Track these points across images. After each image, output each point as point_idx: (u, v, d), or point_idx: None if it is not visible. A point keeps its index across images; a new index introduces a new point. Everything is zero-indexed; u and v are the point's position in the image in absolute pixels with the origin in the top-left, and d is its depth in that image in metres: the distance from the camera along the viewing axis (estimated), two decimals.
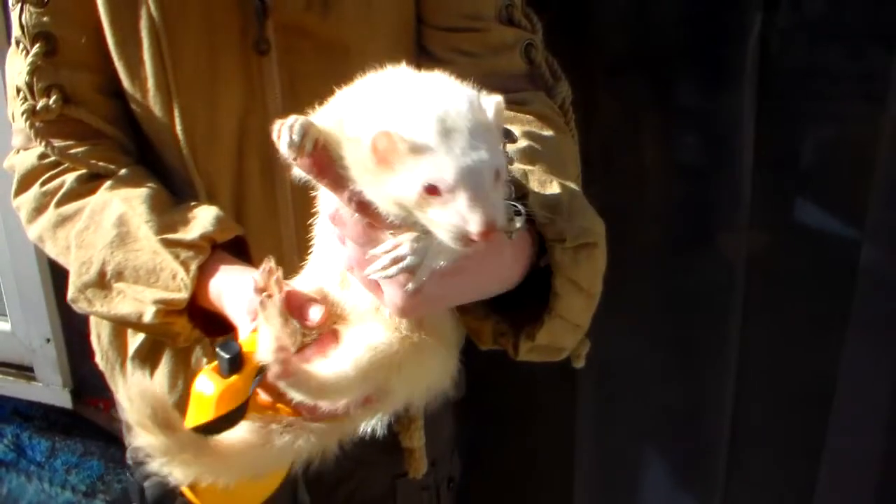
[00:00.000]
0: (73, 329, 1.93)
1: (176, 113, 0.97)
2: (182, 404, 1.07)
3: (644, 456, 1.64)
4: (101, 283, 0.93)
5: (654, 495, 1.65)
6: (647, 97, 1.45)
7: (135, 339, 1.10)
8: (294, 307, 0.74)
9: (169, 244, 0.89)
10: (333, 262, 0.75)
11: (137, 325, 0.93)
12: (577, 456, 1.63)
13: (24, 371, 2.04)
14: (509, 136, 0.70)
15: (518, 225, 0.67)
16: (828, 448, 1.45)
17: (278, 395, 0.75)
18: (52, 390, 2.01)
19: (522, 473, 1.71)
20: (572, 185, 0.81)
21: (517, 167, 0.79)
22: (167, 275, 0.88)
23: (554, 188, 0.78)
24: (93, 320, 1.17)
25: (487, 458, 1.64)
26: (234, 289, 0.84)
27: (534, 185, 0.77)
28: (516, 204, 0.68)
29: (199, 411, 0.74)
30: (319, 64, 0.96)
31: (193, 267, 0.87)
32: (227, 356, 0.73)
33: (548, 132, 0.92)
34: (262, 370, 0.73)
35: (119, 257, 0.91)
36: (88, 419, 2.03)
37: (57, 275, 1.87)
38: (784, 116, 1.36)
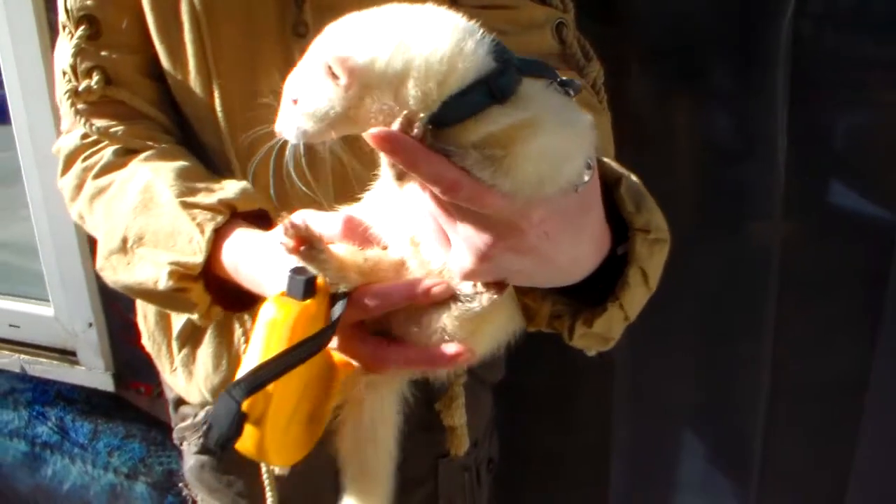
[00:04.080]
0: (114, 314, 1.96)
1: (216, 95, 0.97)
2: (227, 382, 1.09)
3: (680, 441, 1.63)
4: (124, 248, 0.92)
5: (689, 479, 1.64)
6: (680, 83, 1.43)
7: (179, 319, 1.11)
8: (353, 232, 0.73)
9: (187, 206, 0.88)
10: (401, 218, 0.72)
11: (154, 294, 0.90)
12: (613, 441, 1.63)
13: (67, 355, 2.07)
14: (571, 86, 0.66)
15: (586, 178, 0.64)
16: (863, 432, 1.43)
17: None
18: (94, 374, 2.04)
19: (559, 457, 1.71)
20: None
21: None
22: (184, 238, 0.87)
23: (633, 179, 0.77)
24: (139, 302, 1.18)
25: (525, 441, 1.65)
26: (253, 253, 0.83)
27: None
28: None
29: (272, 340, 0.69)
30: None
31: (209, 229, 0.85)
32: (303, 278, 0.70)
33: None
34: (343, 295, 0.70)
35: (141, 222, 0.90)
36: (130, 402, 2.06)
37: None
38: (817, 102, 1.34)
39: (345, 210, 0.78)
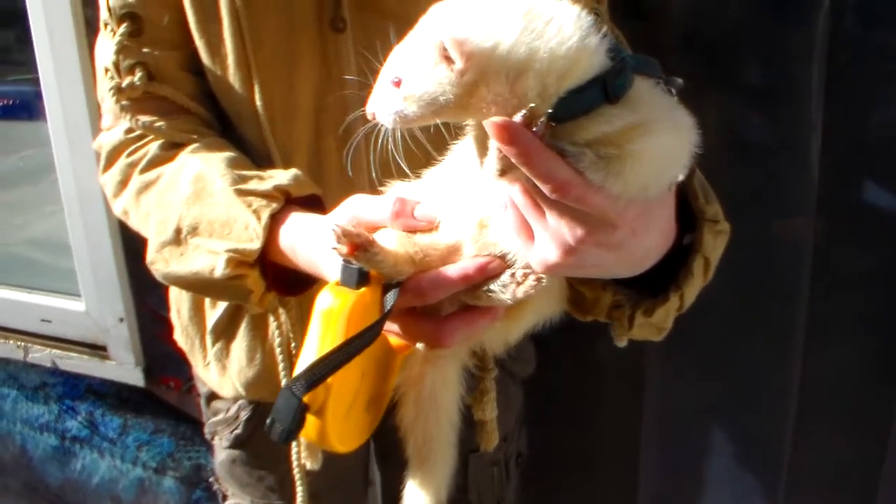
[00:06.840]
0: (145, 309, 1.98)
1: (256, 89, 0.98)
2: (261, 376, 1.10)
3: (709, 438, 1.63)
4: (177, 239, 0.92)
5: (718, 476, 1.63)
6: (713, 78, 1.42)
7: (213, 313, 1.13)
8: (403, 214, 0.74)
9: (242, 194, 0.89)
10: (468, 200, 0.72)
11: (209, 283, 0.90)
12: (641, 437, 1.63)
13: (97, 350, 2.09)
14: (672, 83, 0.66)
15: (681, 177, 0.65)
16: (895, 429, 1.42)
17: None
18: (124, 369, 2.06)
19: (587, 453, 1.71)
20: None
21: None
22: (240, 226, 0.87)
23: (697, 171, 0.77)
24: (172, 297, 1.20)
25: (553, 437, 1.65)
26: (310, 235, 0.84)
27: None
28: None
29: (328, 329, 0.70)
30: (395, 42, 0.96)
31: (265, 216, 0.86)
32: (356, 268, 0.70)
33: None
34: (396, 284, 0.70)
35: (195, 212, 0.91)
36: (160, 397, 2.08)
37: (130, 256, 1.92)
38: (851, 98, 1.32)
39: (395, 189, 0.78)
